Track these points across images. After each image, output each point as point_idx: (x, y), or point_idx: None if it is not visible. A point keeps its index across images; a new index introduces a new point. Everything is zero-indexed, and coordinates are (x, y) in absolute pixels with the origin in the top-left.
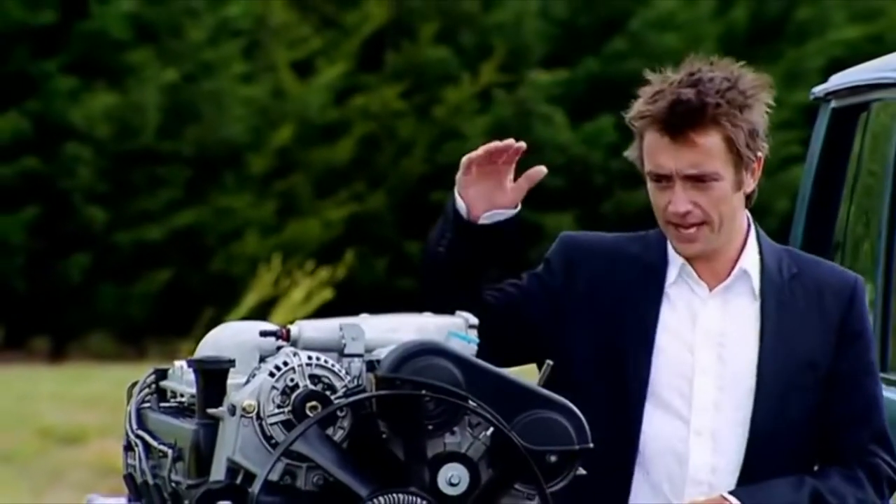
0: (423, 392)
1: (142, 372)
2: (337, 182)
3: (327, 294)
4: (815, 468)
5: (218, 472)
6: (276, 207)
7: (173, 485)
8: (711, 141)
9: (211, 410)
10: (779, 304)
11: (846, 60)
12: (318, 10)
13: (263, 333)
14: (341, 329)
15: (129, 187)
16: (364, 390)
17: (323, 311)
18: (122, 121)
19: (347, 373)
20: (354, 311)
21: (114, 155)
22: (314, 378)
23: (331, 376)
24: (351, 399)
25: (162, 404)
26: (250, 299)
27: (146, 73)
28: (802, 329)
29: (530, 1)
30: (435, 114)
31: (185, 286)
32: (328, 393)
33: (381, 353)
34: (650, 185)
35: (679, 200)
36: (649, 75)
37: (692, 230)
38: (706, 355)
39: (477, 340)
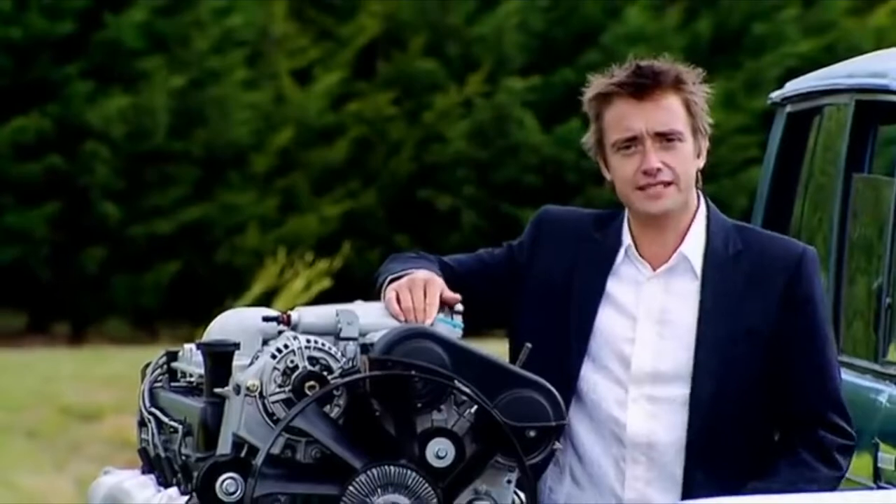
0: (413, 373)
1: (154, 354)
2: (333, 180)
3: (325, 283)
4: (768, 451)
5: (224, 447)
6: (277, 204)
7: (183, 458)
8: (673, 102)
9: (217, 390)
10: (719, 282)
11: (800, 69)
12: (317, 23)
13: (266, 319)
14: (337, 315)
15: (142, 184)
16: (358, 371)
17: (321, 299)
18: (136, 123)
19: (343, 355)
20: (350, 299)
21: (128, 154)
22: (312, 360)
23: (328, 358)
24: (346, 379)
25: (173, 384)
26: (256, 288)
27: (157, 79)
28: (742, 303)
29: (510, 16)
30: (422, 119)
31: (193, 276)
32: (325, 373)
33: (374, 337)
34: (616, 158)
35: (651, 157)
36: (593, 77)
37: (659, 188)
38: (647, 329)
39: (462, 325)
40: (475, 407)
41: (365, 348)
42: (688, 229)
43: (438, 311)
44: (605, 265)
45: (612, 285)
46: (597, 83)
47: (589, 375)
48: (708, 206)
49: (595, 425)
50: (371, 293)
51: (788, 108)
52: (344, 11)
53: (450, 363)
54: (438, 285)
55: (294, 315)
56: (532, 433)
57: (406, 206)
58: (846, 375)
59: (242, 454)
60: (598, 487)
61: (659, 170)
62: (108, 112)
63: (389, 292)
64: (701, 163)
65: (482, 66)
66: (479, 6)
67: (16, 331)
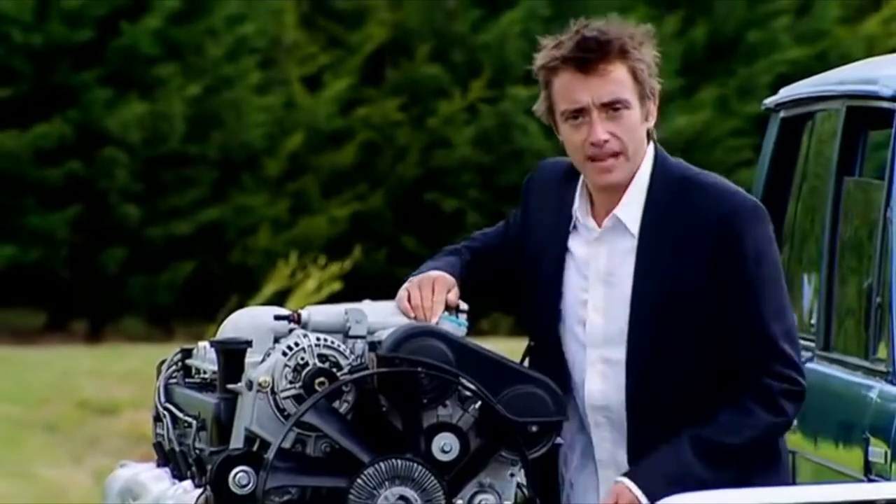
0: (419, 369)
1: (170, 351)
2: (342, 183)
3: (336, 285)
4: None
5: (237, 441)
6: (289, 206)
7: (197, 452)
8: (618, 71)
9: (230, 386)
10: (654, 240)
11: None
12: (326, 31)
13: (277, 317)
14: (346, 313)
15: (160, 187)
16: (366, 368)
17: (331, 299)
18: (153, 128)
19: (352, 352)
20: (358, 298)
21: (146, 158)
22: (322, 357)
23: (337, 355)
24: (355, 376)
25: (187, 380)
26: (268, 289)
27: (172, 85)
28: (677, 260)
29: (514, 24)
30: (428, 124)
31: (208, 275)
32: (335, 370)
33: (381, 335)
34: (565, 127)
35: (597, 129)
36: (543, 40)
37: (609, 161)
38: (597, 292)
39: (466, 323)
40: (479, 403)
41: (373, 346)
42: (627, 186)
43: (445, 310)
44: (566, 225)
45: (572, 244)
46: (544, 53)
47: (564, 338)
48: (655, 159)
49: (572, 389)
50: (378, 292)
51: (782, 114)
52: (352, 20)
53: (455, 360)
54: (446, 284)
55: (304, 314)
56: (534, 428)
57: (413, 208)
58: (837, 372)
59: (254, 448)
60: (582, 449)
61: (606, 141)
62: (125, 118)
63: (402, 291)
64: (651, 122)
65: (486, 72)
66: (484, 15)
67: (36, 328)
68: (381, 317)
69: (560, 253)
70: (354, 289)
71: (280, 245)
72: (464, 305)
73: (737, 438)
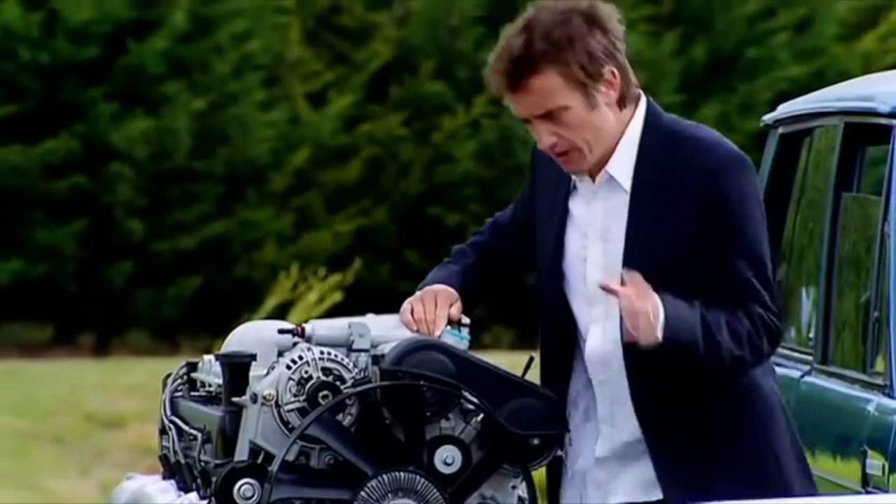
0: (422, 383)
1: (175, 365)
2: (346, 199)
3: (338, 297)
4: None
5: (241, 453)
6: (294, 220)
7: (202, 464)
8: (547, 81)
9: (235, 399)
10: (645, 194)
11: (791, 92)
12: (331, 48)
13: (281, 331)
14: (350, 327)
15: (165, 202)
16: (370, 381)
17: (334, 312)
18: (158, 143)
19: (355, 366)
20: (361, 312)
21: (151, 174)
22: (326, 370)
23: (340, 369)
24: (358, 389)
25: (192, 393)
26: (270, 302)
27: (178, 102)
28: (667, 212)
29: None
30: (432, 139)
31: (213, 289)
32: (338, 383)
33: (384, 349)
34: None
35: (541, 137)
36: (505, 28)
37: (564, 157)
38: (595, 248)
39: (468, 337)
40: (481, 415)
41: (376, 359)
42: (616, 146)
43: (447, 324)
44: (567, 185)
45: (572, 204)
46: (488, 62)
47: (568, 296)
48: (647, 113)
49: (579, 346)
50: (381, 307)
51: (781, 130)
52: (357, 37)
53: (457, 373)
54: (448, 299)
55: (308, 328)
56: (536, 441)
57: (416, 222)
58: (835, 385)
59: (259, 460)
60: (585, 406)
61: (553, 144)
62: (131, 134)
63: (405, 304)
64: (612, 96)
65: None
66: (487, 32)
67: (43, 342)
68: (384, 330)
69: (562, 212)
70: (358, 303)
71: (285, 259)
72: (466, 319)
73: (722, 318)
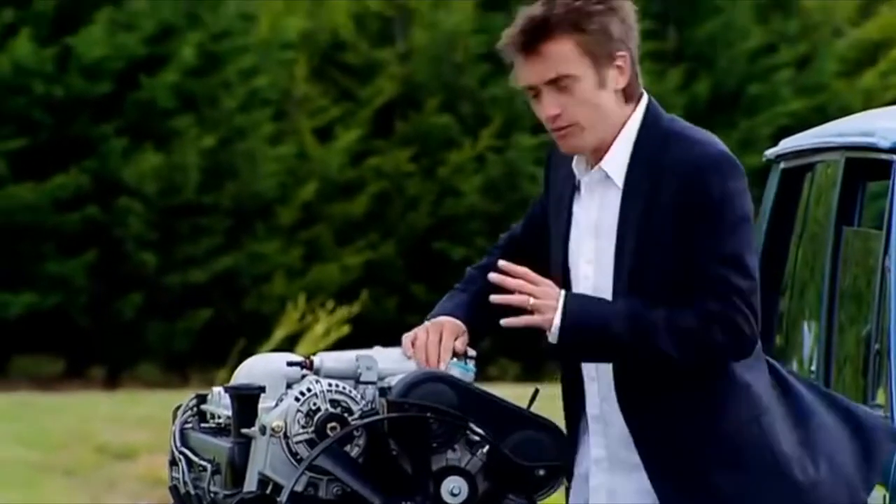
0: (428, 414)
1: (185, 397)
2: (354, 232)
3: (345, 330)
4: None
5: (250, 484)
6: (302, 254)
7: (212, 495)
8: (561, 47)
9: (244, 430)
10: (637, 191)
11: (793, 128)
12: (337, 84)
13: (290, 363)
14: (357, 360)
15: (175, 235)
16: (377, 413)
17: (341, 344)
18: (168, 178)
19: (363, 398)
20: (369, 344)
21: (161, 208)
22: (334, 402)
23: (348, 401)
24: (366, 421)
25: (202, 425)
26: (279, 334)
27: (188, 137)
28: (656, 210)
29: None
30: (438, 174)
31: (223, 322)
32: (346, 415)
33: (391, 381)
34: (530, 100)
35: (547, 105)
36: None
37: (563, 131)
38: (589, 245)
39: (475, 369)
40: (487, 447)
41: (383, 391)
42: (612, 143)
43: (453, 357)
44: (571, 184)
45: (576, 205)
46: (504, 33)
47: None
48: (647, 112)
49: None
50: (388, 340)
51: (782, 165)
52: (363, 73)
53: (463, 405)
54: (454, 331)
55: (316, 360)
56: (541, 472)
57: (422, 257)
58: None
59: (268, 491)
60: (577, 405)
61: (557, 115)
62: (142, 169)
63: (410, 332)
64: (620, 83)
65: (494, 122)
66: (493, 70)
67: (55, 375)
68: (391, 363)
69: (567, 210)
70: (365, 336)
71: (294, 292)
72: (472, 352)
73: (660, 317)
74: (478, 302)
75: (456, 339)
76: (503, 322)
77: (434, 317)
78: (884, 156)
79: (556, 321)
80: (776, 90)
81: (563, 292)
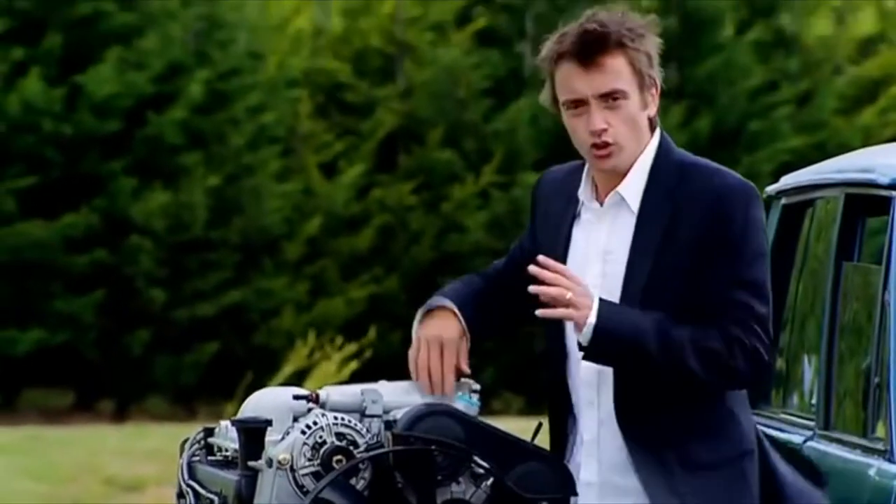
0: (433, 448)
1: (193, 430)
2: (359, 267)
3: (354, 366)
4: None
5: None
6: (308, 288)
7: None
8: (617, 63)
9: (251, 463)
10: (652, 217)
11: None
12: (340, 120)
13: (296, 397)
14: (363, 393)
15: (184, 271)
16: (382, 446)
17: (349, 379)
18: (176, 216)
19: (368, 431)
20: (374, 378)
21: (170, 244)
22: (340, 435)
23: (354, 434)
24: (371, 453)
25: (209, 458)
26: (287, 369)
27: (196, 175)
28: (672, 237)
29: (523, 111)
30: (441, 209)
31: (230, 356)
32: (352, 448)
33: (396, 414)
34: (568, 115)
35: (596, 119)
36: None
37: (608, 148)
38: (595, 269)
39: (479, 403)
40: (491, 479)
41: (388, 425)
42: (630, 169)
43: (457, 390)
44: (574, 209)
45: (578, 226)
46: (548, 46)
47: (568, 326)
48: (661, 143)
49: (570, 369)
50: (393, 373)
51: (783, 201)
52: (364, 109)
53: (467, 438)
54: (453, 345)
55: (322, 394)
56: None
57: (426, 291)
58: (836, 450)
59: None
60: (570, 427)
61: (604, 129)
62: (150, 206)
63: (412, 352)
64: (652, 110)
65: (497, 157)
66: (495, 105)
67: (64, 408)
68: (397, 396)
69: (567, 235)
70: (370, 369)
71: (301, 326)
72: (476, 385)
73: (686, 334)
74: (479, 302)
75: (457, 354)
76: (539, 312)
77: (436, 303)
78: (883, 192)
79: (592, 319)
80: (776, 127)
81: (596, 295)
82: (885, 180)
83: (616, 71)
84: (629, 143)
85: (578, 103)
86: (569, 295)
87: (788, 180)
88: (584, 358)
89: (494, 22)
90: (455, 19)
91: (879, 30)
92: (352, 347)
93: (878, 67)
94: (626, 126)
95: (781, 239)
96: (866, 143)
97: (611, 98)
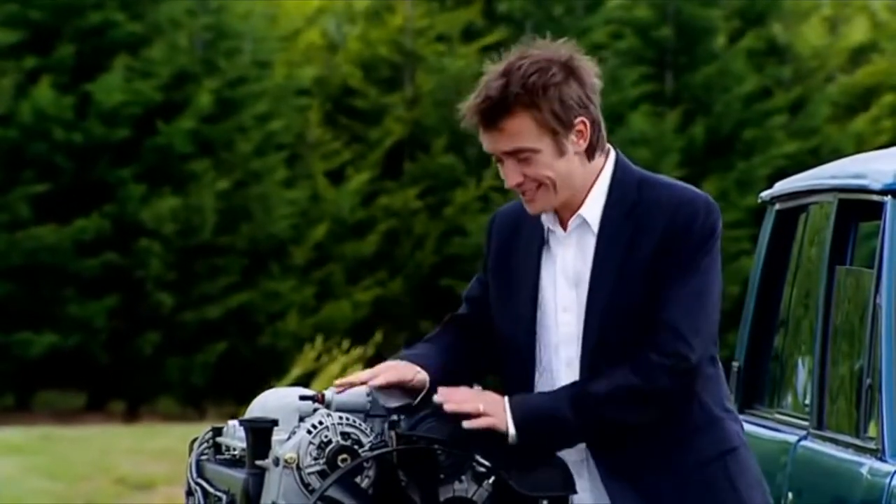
0: (436, 447)
1: (202, 430)
2: (364, 270)
3: (359, 368)
4: None
5: None
6: (315, 292)
7: None
8: (518, 123)
9: (258, 462)
10: (612, 234)
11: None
12: (348, 128)
13: (302, 398)
14: (367, 394)
15: (192, 275)
16: (386, 445)
17: None
18: (186, 220)
19: (372, 430)
20: None
21: (179, 249)
22: (345, 435)
23: (359, 433)
24: (375, 452)
25: (218, 457)
26: (295, 372)
27: (204, 181)
28: (632, 252)
29: None
30: (445, 213)
31: (238, 358)
32: (356, 447)
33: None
34: (496, 162)
35: (509, 174)
36: (488, 67)
37: (530, 194)
38: (566, 293)
39: None
40: (493, 478)
41: (392, 424)
42: (588, 193)
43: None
44: (540, 237)
45: (546, 253)
46: (467, 102)
47: (540, 341)
48: (616, 163)
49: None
50: None
51: (777, 206)
52: (371, 117)
53: (470, 438)
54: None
55: (328, 394)
56: (545, 501)
57: (429, 293)
58: (830, 450)
59: None
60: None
61: (519, 183)
62: (160, 212)
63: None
64: (581, 146)
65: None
66: None
67: (76, 409)
68: (400, 397)
69: (536, 263)
70: None
71: (307, 329)
72: (477, 387)
73: (602, 387)
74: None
75: (403, 377)
76: (465, 424)
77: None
78: (875, 197)
79: (509, 420)
80: (770, 134)
81: (504, 397)
82: (877, 186)
83: (517, 132)
84: (559, 183)
85: (494, 156)
86: (481, 406)
87: (782, 186)
88: (520, 450)
89: (501, 37)
90: (461, 32)
91: (871, 39)
92: (357, 351)
93: (870, 76)
94: (547, 171)
95: (776, 243)
96: (859, 149)
97: (518, 154)
